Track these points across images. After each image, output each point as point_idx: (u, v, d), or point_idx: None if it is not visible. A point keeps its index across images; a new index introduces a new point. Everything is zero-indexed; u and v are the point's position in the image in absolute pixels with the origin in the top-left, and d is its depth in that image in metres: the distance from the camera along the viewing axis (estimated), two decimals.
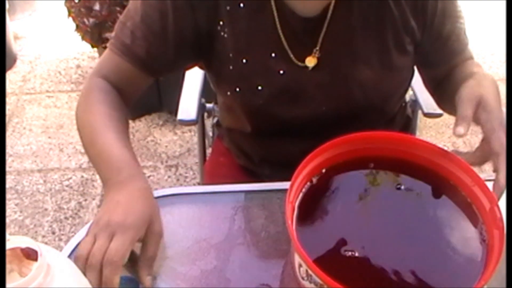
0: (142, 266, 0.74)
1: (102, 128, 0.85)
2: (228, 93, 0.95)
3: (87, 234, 0.74)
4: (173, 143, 2.23)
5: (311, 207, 0.71)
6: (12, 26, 2.69)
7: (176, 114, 1.22)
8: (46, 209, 1.97)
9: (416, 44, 0.93)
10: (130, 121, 1.60)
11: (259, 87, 0.92)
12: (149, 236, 0.75)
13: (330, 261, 0.65)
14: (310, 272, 0.60)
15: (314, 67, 0.90)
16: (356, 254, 0.65)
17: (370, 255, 0.66)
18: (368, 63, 0.91)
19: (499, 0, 2.57)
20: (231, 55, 0.90)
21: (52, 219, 1.94)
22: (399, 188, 0.73)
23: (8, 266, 0.55)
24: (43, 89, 2.53)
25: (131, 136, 1.36)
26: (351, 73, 0.92)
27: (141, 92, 0.97)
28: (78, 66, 2.66)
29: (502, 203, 0.68)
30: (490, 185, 0.69)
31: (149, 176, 2.10)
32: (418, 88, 1.21)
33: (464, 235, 0.68)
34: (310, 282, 0.62)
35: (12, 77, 2.60)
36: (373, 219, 0.71)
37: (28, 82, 2.57)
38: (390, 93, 0.97)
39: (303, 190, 0.71)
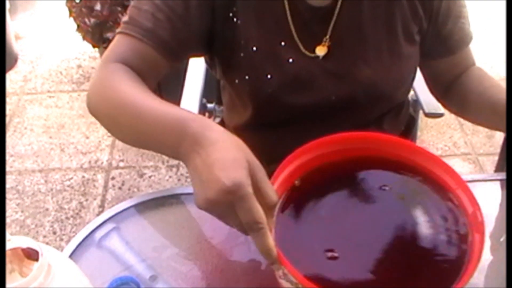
0: (265, 212, 0.62)
1: (145, 102, 0.76)
2: (237, 81, 0.94)
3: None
4: None
5: (294, 208, 0.70)
6: (13, 26, 2.69)
7: None
8: (47, 209, 1.97)
9: (422, 34, 0.94)
10: None
11: (268, 76, 0.91)
12: (256, 180, 0.63)
13: (312, 261, 0.65)
14: (285, 270, 0.61)
15: (324, 56, 0.91)
16: (337, 255, 0.65)
17: (352, 256, 0.66)
18: (377, 52, 0.92)
19: (499, 0, 2.57)
20: (242, 42, 0.90)
21: (53, 219, 1.94)
22: (383, 189, 0.73)
23: (9, 266, 0.55)
24: (44, 89, 2.53)
25: None
26: (361, 62, 0.92)
27: (157, 81, 0.90)
28: (79, 66, 2.66)
29: None
30: (487, 185, 0.68)
31: (150, 176, 2.10)
32: (419, 88, 1.21)
33: (446, 237, 0.67)
34: (287, 281, 0.62)
35: (13, 77, 2.60)
36: (357, 220, 0.71)
37: (29, 82, 2.58)
38: (398, 81, 0.97)
39: (286, 192, 0.71)
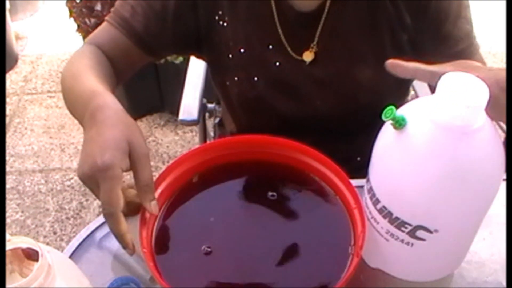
0: (141, 196, 0.66)
1: (82, 76, 0.80)
2: (228, 82, 0.95)
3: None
4: (174, 143, 2.23)
5: (186, 203, 0.72)
6: (13, 26, 2.69)
7: (177, 114, 1.22)
8: (47, 209, 1.98)
9: (413, 43, 0.92)
10: None
11: (255, 78, 0.92)
12: (134, 162, 0.65)
13: (189, 258, 0.67)
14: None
15: (311, 62, 0.91)
16: (210, 250, 0.66)
17: (222, 255, 0.66)
18: (364, 60, 0.91)
19: (499, 0, 2.57)
20: (231, 43, 0.91)
21: (53, 219, 1.94)
22: (272, 195, 0.72)
23: (9, 267, 0.55)
24: (44, 89, 2.53)
25: None
26: (346, 70, 0.92)
27: (135, 71, 0.95)
28: None
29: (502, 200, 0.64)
30: None
31: None
32: (419, 88, 1.20)
33: (333, 250, 0.67)
34: None
35: (13, 77, 2.60)
36: (242, 224, 0.71)
37: (29, 82, 2.58)
38: (386, 91, 0.95)
39: (182, 186, 0.73)
